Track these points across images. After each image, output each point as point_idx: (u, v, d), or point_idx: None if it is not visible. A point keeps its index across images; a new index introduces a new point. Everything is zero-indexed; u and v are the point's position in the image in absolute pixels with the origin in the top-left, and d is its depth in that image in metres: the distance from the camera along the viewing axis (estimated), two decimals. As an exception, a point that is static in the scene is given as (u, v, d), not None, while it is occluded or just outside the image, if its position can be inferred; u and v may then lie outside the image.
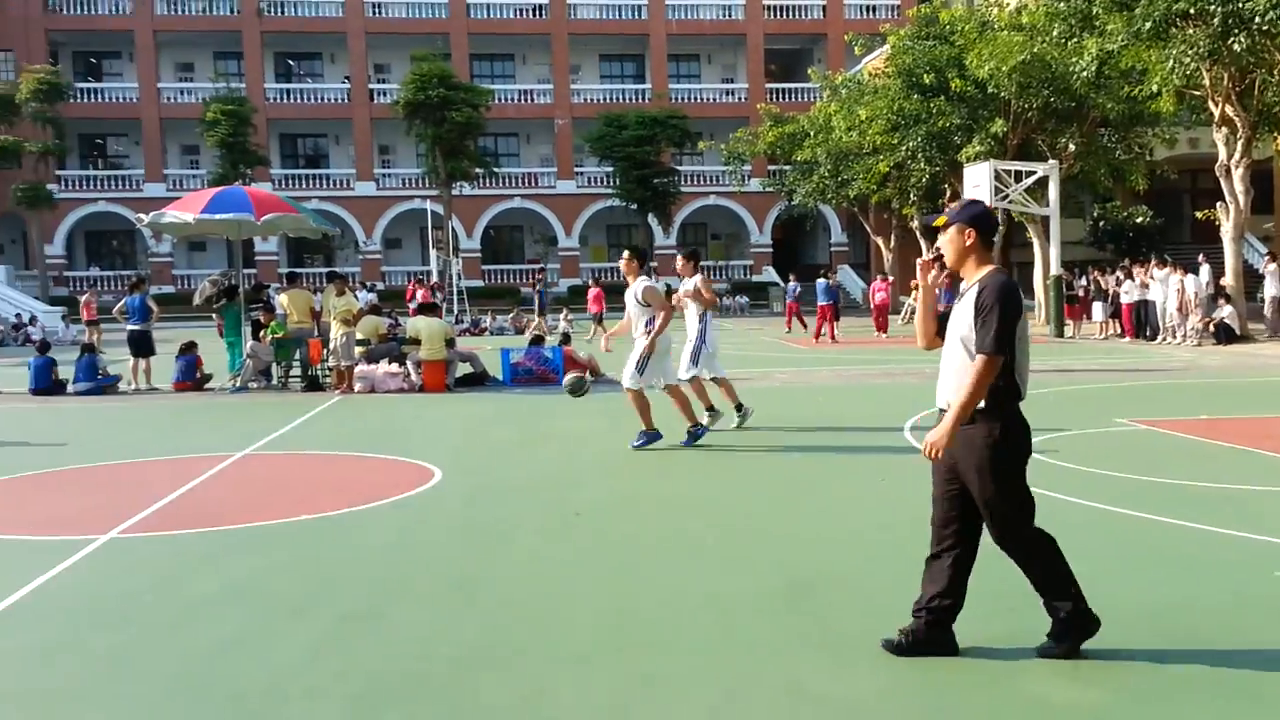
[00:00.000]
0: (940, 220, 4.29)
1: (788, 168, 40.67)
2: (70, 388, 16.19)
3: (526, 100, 50.05)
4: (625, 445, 9.80)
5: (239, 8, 47.27)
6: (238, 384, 16.23)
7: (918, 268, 4.57)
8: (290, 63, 50.76)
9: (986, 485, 4.05)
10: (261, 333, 16.71)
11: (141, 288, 17.88)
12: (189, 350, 16.89)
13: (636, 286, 9.96)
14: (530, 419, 12.35)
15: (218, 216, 16.11)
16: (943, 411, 4.13)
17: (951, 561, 4.19)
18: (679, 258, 10.96)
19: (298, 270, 46.10)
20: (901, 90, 28.82)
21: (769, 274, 49.15)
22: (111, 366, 17.12)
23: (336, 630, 4.84)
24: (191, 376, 16.59)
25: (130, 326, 17.08)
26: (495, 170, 44.31)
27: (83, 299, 28.17)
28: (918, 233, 33.91)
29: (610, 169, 44.96)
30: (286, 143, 50.62)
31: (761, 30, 50.53)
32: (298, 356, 16.81)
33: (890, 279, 31.55)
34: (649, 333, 9.71)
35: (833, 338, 25.29)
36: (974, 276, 4.16)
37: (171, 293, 41.43)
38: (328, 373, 16.26)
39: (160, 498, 7.92)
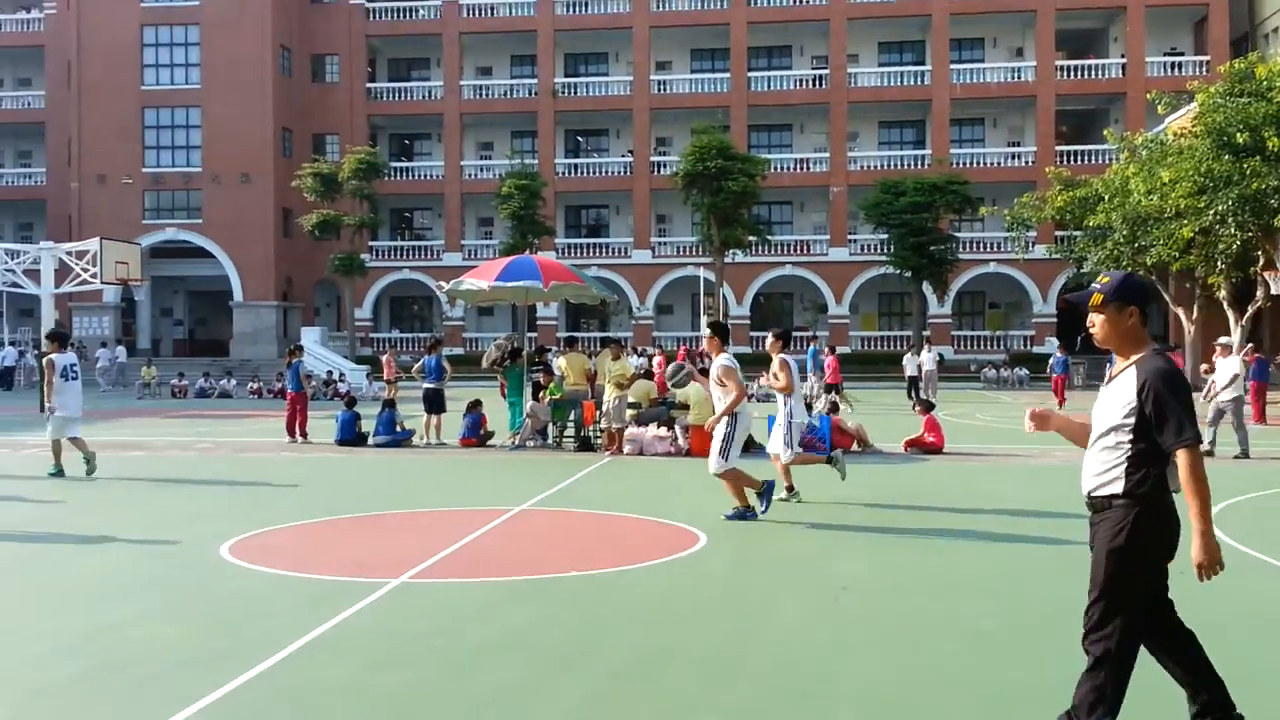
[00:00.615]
0: (1097, 298, 3.85)
1: (1077, 234, 38.69)
2: (371, 440, 17.54)
3: (802, 169, 50.39)
4: (891, 518, 9.51)
5: (536, 90, 50.53)
6: (517, 442, 17.07)
7: (1026, 419, 4.20)
8: (579, 139, 53.61)
9: (1106, 570, 3.72)
10: (541, 393, 17.53)
11: (437, 349, 19.23)
12: (475, 408, 17.92)
13: (716, 365, 9.73)
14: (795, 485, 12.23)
15: (510, 284, 17.13)
16: (1089, 497, 3.84)
17: (1173, 656, 3.90)
18: (769, 337, 10.72)
19: (575, 334, 48.13)
20: (1211, 150, 26.88)
21: (1051, 345, 46.72)
22: (408, 421, 18.42)
23: (608, 687, 4.95)
24: (476, 433, 17.59)
25: (426, 385, 18.37)
26: (768, 238, 44.72)
27: (384, 358, 30.56)
28: (1224, 303, 31.28)
29: (885, 236, 44.37)
30: (571, 213, 53.28)
31: (1053, 91, 48.66)
32: (572, 417, 17.48)
33: (1180, 350, 29.26)
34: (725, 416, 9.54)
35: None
36: (1130, 358, 3.81)
37: (461, 354, 44.26)
38: (599, 434, 16.80)
39: (446, 546, 8.41)
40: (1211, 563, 3.63)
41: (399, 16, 50.78)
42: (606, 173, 51.35)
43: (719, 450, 9.59)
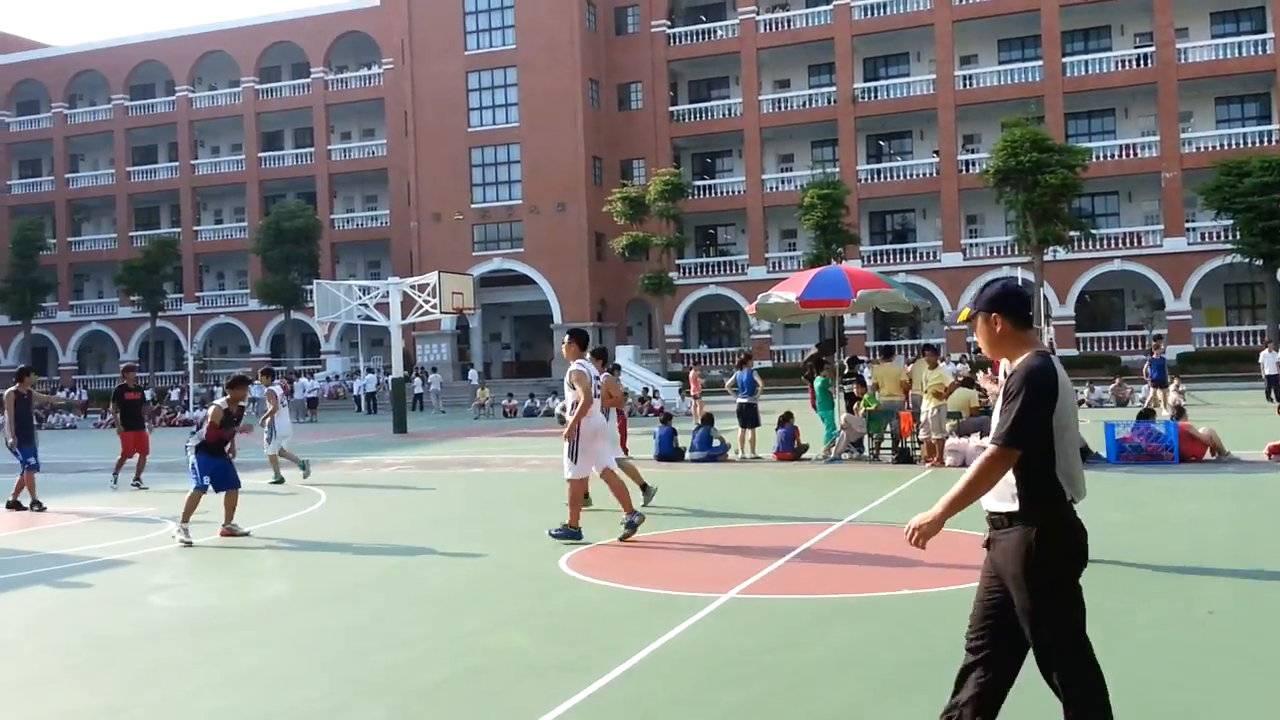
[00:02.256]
0: (963, 315, 3.81)
1: None
2: (688, 455, 17.94)
3: (1128, 155, 46.86)
4: (1257, 534, 8.59)
5: (834, 98, 50.13)
6: (832, 455, 16.90)
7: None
8: (881, 143, 52.62)
9: (1024, 598, 3.53)
10: (855, 405, 17.27)
11: (749, 363, 19.41)
12: (786, 421, 17.92)
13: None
14: (1141, 500, 11.33)
15: (819, 299, 17.03)
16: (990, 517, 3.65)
17: (978, 678, 3.67)
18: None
19: (890, 344, 47.13)
20: None
21: None
22: (725, 435, 18.69)
23: (945, 712, 4.77)
24: (790, 446, 17.58)
25: (740, 399, 18.59)
26: (1092, 232, 41.91)
27: (690, 374, 31.25)
28: None
29: (1229, 222, 40.40)
30: (875, 219, 52.32)
31: None
32: (889, 429, 17.10)
33: None
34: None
35: None
36: (1015, 364, 3.62)
37: (769, 366, 44.47)
38: (918, 445, 16.33)
39: (771, 561, 8.44)
40: (923, 535, 3.64)
41: (698, 39, 51.96)
42: (911, 176, 50.04)
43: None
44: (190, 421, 40.39)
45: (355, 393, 45.27)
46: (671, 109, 52.26)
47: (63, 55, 60.43)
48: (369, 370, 47.78)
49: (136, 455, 16.58)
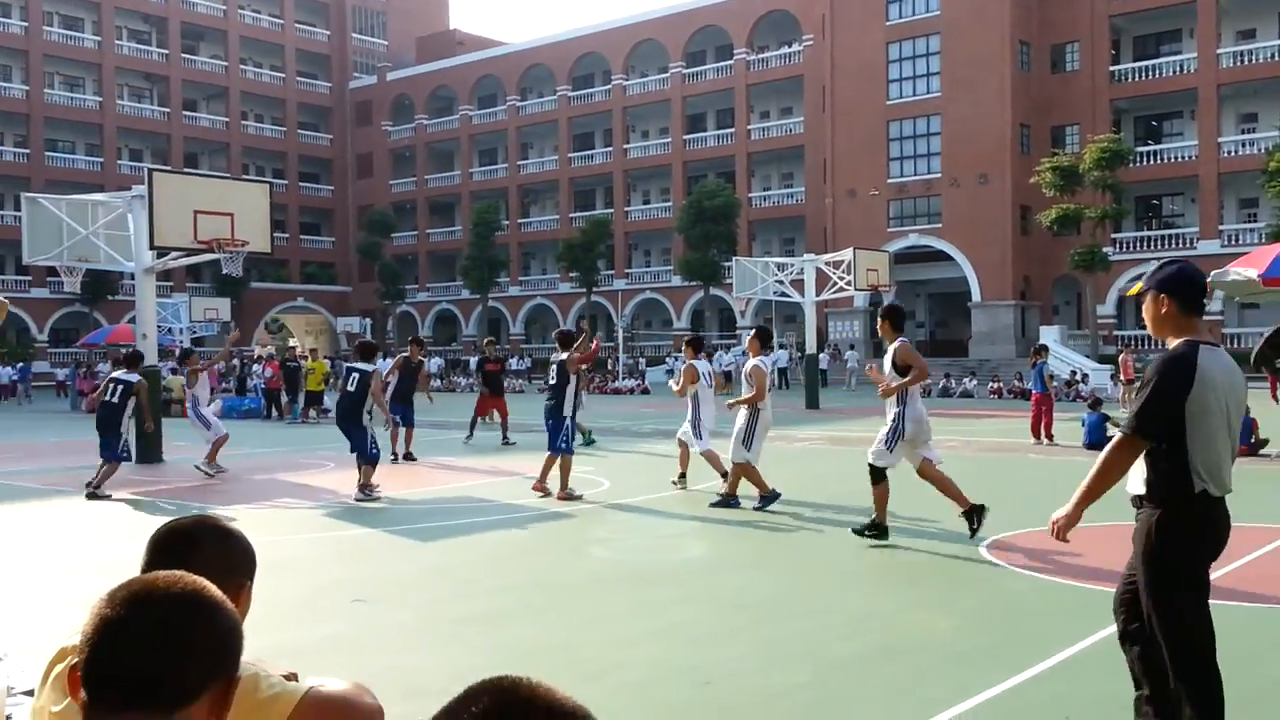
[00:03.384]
0: (1135, 288, 3.93)
1: None
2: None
3: None
4: None
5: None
6: (1301, 452, 14.93)
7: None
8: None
9: (1143, 580, 3.64)
10: (1331, 397, 15.13)
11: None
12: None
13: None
14: None
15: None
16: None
17: (1137, 652, 3.80)
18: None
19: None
20: None
21: None
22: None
23: None
24: (1247, 440, 15.76)
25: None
26: None
27: (1120, 358, 28.82)
28: None
29: None
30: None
31: None
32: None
33: None
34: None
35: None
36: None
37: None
38: None
39: (1229, 562, 7.63)
40: (1063, 528, 3.74)
41: (1145, -9, 47.52)
42: None
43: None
44: (620, 390, 43.40)
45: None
46: (1112, 69, 48.23)
47: (516, 52, 66.71)
48: (781, 346, 48.74)
49: (494, 413, 19.39)
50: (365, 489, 11.95)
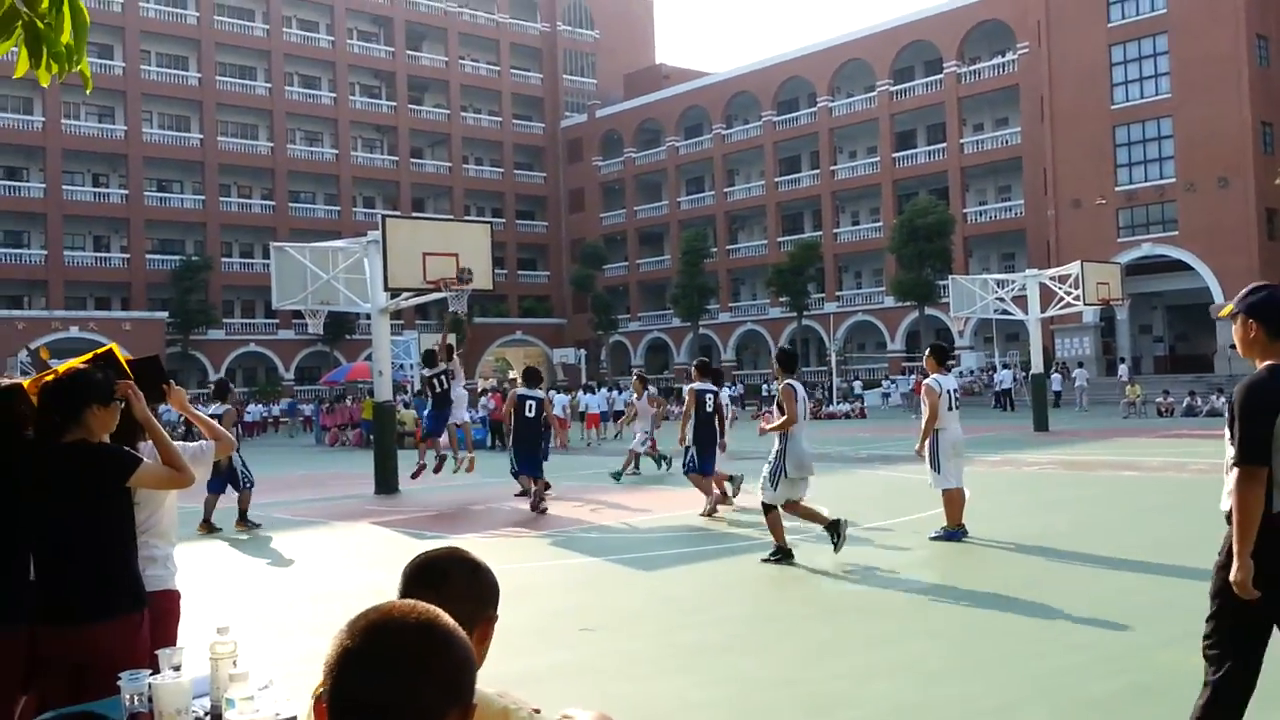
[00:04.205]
0: (1226, 310, 3.94)
1: None
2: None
3: None
4: None
5: None
6: None
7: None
8: None
9: (1214, 588, 3.82)
10: None
11: None
12: None
13: None
14: None
15: None
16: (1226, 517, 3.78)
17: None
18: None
19: None
20: None
21: None
22: None
23: None
24: None
25: None
26: None
27: None
28: None
29: None
30: None
31: None
32: None
33: None
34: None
35: None
36: None
37: None
38: None
39: None
40: (1245, 583, 3.64)
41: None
42: None
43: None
44: (835, 414, 42.78)
45: (994, 388, 44.64)
46: (1367, 55, 44.18)
47: (720, 81, 67.24)
48: (1005, 366, 46.81)
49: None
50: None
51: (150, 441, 3.91)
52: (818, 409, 44.22)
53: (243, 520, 13.52)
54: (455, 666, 1.47)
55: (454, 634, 1.48)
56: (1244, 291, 3.99)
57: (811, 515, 9.89)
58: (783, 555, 9.58)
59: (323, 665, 1.44)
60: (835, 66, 60.64)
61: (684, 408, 14.10)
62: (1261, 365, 3.83)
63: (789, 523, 9.97)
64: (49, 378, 3.72)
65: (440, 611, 1.51)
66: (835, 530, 9.50)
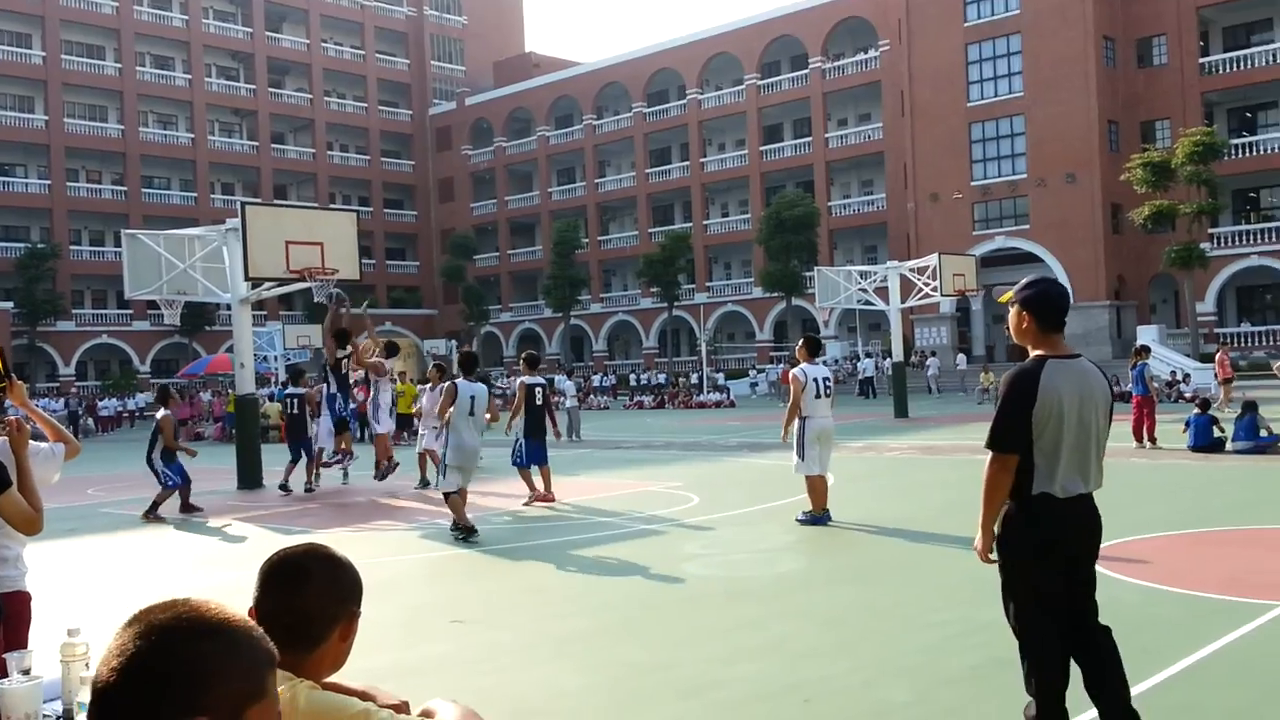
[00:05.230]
0: (1006, 296, 4.12)
1: None
2: (1229, 445, 16.08)
3: None
4: None
5: None
6: None
7: None
8: None
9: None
10: None
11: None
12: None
13: None
14: None
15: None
16: None
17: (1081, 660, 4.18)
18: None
19: None
20: None
21: None
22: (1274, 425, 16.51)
23: None
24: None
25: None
26: None
27: (1217, 355, 27.87)
28: None
29: None
30: None
31: None
32: None
33: None
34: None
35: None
36: None
37: (1330, 346, 38.40)
38: None
39: (1347, 572, 7.32)
40: (980, 552, 4.13)
41: (1232, -21, 46.06)
42: None
43: None
44: (705, 404, 43.31)
45: (857, 377, 45.88)
46: (1202, 60, 46.85)
47: (590, 71, 67.16)
48: (868, 355, 48.17)
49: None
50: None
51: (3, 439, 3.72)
52: (688, 399, 44.72)
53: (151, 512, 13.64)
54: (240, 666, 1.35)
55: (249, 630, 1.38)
56: (1023, 282, 4.19)
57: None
58: (466, 533, 10.66)
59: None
60: (705, 59, 61.25)
61: (514, 401, 14.03)
62: (1032, 354, 4.05)
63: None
64: None
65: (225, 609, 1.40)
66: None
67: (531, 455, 13.53)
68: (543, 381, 14.18)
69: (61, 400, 44.93)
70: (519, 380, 14.16)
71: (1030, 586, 4.06)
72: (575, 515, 12.33)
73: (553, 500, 13.30)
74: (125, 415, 46.50)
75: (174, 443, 14.29)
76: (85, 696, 2.45)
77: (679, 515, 11.74)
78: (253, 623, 1.40)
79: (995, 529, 4.08)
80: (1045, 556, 4.02)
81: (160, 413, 14.47)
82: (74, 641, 2.76)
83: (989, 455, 4.01)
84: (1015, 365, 4.07)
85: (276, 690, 1.39)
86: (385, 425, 16.11)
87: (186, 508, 14.08)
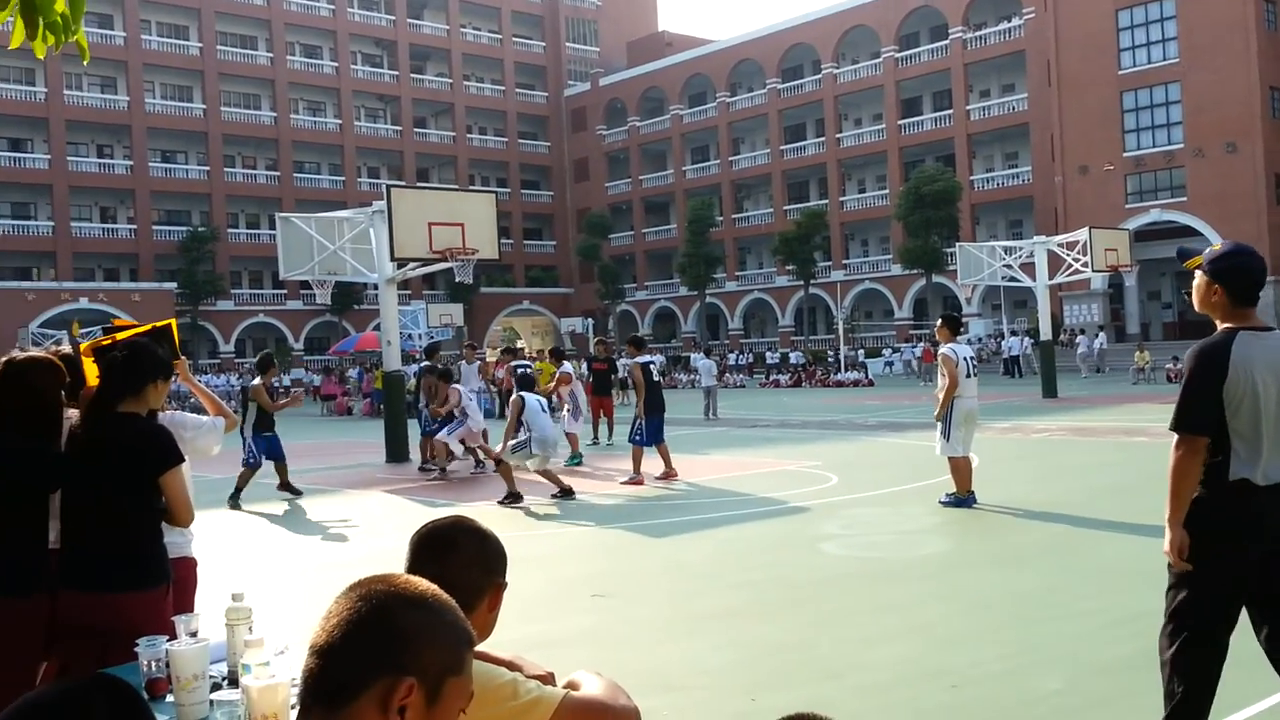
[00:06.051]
0: (1195, 261, 3.79)
1: None
2: None
3: None
4: None
5: None
6: None
7: None
8: None
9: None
10: None
11: None
12: None
13: None
14: None
15: None
16: None
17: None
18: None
19: None
20: None
21: None
22: None
23: None
24: None
25: None
26: None
27: None
28: None
29: None
30: None
31: None
32: None
33: None
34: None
35: None
36: None
37: None
38: None
39: None
40: (1169, 551, 3.56)
41: None
42: None
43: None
44: (842, 383, 42.72)
45: (1002, 355, 44.56)
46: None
47: (724, 49, 66.68)
48: (1013, 333, 46.70)
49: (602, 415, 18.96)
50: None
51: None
52: (826, 378, 44.18)
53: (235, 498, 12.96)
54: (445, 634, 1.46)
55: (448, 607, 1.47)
56: (1218, 251, 3.80)
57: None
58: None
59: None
60: (840, 33, 60.12)
61: (633, 382, 14.24)
62: (1221, 328, 3.65)
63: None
64: (105, 342, 3.84)
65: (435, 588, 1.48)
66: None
67: (651, 433, 13.57)
68: (655, 359, 14.41)
69: (223, 376, 47.13)
70: (633, 362, 14.19)
71: (1192, 603, 3.58)
72: (713, 493, 12.34)
73: (675, 476, 13.36)
74: (281, 390, 48.55)
75: (271, 404, 13.44)
76: (250, 658, 2.55)
77: (818, 495, 11.63)
78: (455, 604, 1.48)
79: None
80: (1239, 554, 3.50)
81: (255, 380, 13.99)
82: (238, 605, 2.88)
83: (1174, 439, 3.53)
84: (1207, 339, 3.63)
85: (472, 670, 1.47)
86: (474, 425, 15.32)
87: (284, 486, 13.56)
